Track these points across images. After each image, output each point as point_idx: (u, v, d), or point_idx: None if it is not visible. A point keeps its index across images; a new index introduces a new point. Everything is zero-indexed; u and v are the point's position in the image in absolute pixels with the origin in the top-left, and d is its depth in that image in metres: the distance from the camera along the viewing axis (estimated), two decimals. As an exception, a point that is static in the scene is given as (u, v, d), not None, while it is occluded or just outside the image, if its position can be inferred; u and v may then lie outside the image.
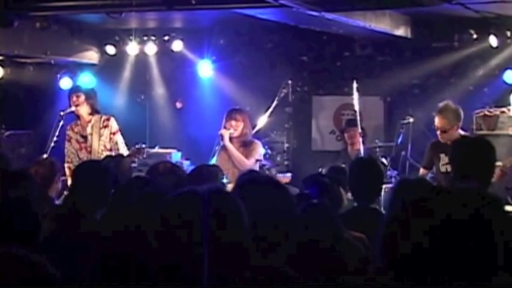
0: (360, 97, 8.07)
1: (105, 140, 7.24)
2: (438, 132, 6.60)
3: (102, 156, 6.94)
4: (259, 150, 6.90)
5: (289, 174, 7.61)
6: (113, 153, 7.02)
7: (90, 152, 7.22)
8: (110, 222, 2.90)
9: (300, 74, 9.80)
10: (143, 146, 6.99)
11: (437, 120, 6.60)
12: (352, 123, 8.27)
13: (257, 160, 6.84)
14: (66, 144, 7.38)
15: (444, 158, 6.44)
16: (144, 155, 6.99)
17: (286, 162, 9.19)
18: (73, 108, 7.32)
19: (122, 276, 2.51)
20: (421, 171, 6.75)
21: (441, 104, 6.75)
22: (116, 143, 7.22)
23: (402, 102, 9.13)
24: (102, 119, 7.32)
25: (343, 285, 2.57)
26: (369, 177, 4.54)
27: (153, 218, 2.14)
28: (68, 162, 7.27)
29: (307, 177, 4.55)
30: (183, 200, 2.13)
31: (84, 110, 7.30)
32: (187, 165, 8.63)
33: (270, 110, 8.46)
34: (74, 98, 7.29)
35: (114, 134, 7.25)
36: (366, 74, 9.34)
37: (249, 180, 2.83)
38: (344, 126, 8.71)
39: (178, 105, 10.20)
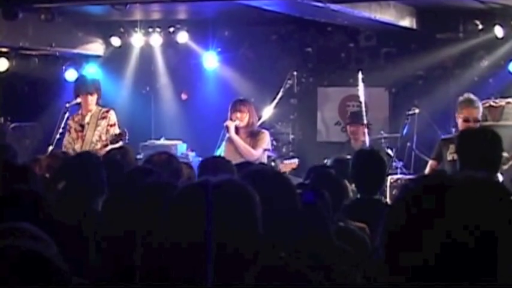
0: (365, 88, 8.03)
1: (102, 131, 7.20)
2: (466, 123, 6.33)
3: (97, 147, 6.91)
4: (267, 140, 6.83)
5: (295, 160, 7.55)
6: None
7: (83, 141, 7.18)
8: (111, 214, 2.87)
9: (305, 65, 9.77)
10: (125, 130, 6.92)
11: (468, 111, 6.33)
12: (355, 117, 8.21)
13: (265, 150, 6.80)
14: (66, 134, 7.34)
15: (452, 147, 6.34)
16: (126, 140, 6.87)
17: (291, 154, 9.18)
18: (78, 100, 7.30)
19: (125, 269, 2.46)
20: (430, 163, 6.61)
21: (467, 96, 6.53)
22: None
23: (407, 93, 9.10)
24: (102, 110, 7.31)
25: (345, 286, 2.56)
26: (371, 168, 4.51)
27: (159, 209, 2.11)
28: (64, 152, 7.20)
29: (311, 168, 4.51)
30: (193, 191, 2.09)
31: (92, 101, 7.29)
32: (192, 157, 8.62)
33: (275, 101, 8.43)
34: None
35: (111, 126, 7.21)
36: (371, 65, 9.31)
37: (254, 171, 2.81)
38: (347, 120, 8.66)
39: (184, 96, 10.18)
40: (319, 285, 2.13)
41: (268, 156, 7.13)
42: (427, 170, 6.51)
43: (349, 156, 5.93)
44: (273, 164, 7.48)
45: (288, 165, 7.32)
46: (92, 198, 3.69)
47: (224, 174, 2.20)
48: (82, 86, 7.38)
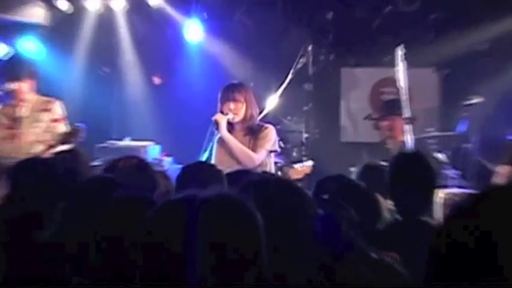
0: (406, 69, 8.05)
1: (43, 127, 7.18)
2: None
3: (33, 151, 6.90)
4: (272, 138, 6.73)
5: (309, 162, 7.55)
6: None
7: (17, 142, 7.16)
8: (68, 237, 2.94)
9: (323, 37, 9.76)
10: (80, 126, 6.90)
11: None
12: (390, 107, 8.20)
13: (270, 152, 6.76)
14: None
15: None
16: (82, 138, 6.86)
17: (304, 159, 9.17)
18: (12, 85, 7.28)
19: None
20: (501, 169, 6.54)
21: None
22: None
23: (464, 76, 9.10)
24: (43, 100, 7.27)
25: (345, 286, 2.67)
26: (415, 179, 4.52)
27: (131, 231, 2.20)
28: None
29: (322, 180, 4.46)
30: (176, 208, 2.14)
31: (26, 88, 7.29)
32: (169, 163, 8.68)
33: (283, 87, 8.43)
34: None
35: (56, 121, 7.18)
36: (414, 38, 9.29)
37: (254, 181, 2.87)
38: (380, 112, 8.64)
39: (157, 80, 10.21)
40: (319, 285, 2.21)
41: (275, 162, 7.12)
42: (497, 179, 6.47)
43: (384, 163, 5.93)
44: (280, 173, 7.48)
45: (298, 170, 7.31)
46: (40, 217, 3.75)
47: (214, 187, 2.26)
48: (11, 70, 7.34)
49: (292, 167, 7.38)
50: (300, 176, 7.12)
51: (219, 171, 4.64)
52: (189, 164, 4.92)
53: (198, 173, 4.53)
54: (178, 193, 2.24)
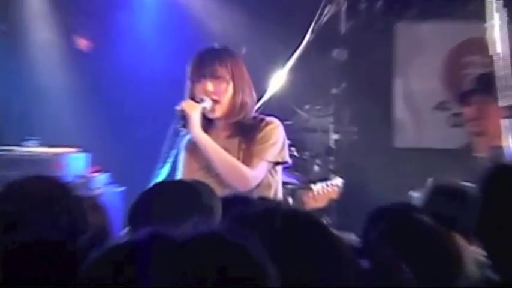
0: (506, 25, 8.03)
1: None
2: None
3: None
4: (279, 141, 6.84)
5: (336, 181, 7.59)
6: None
7: None
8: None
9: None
10: None
11: None
12: (482, 85, 8.21)
13: (277, 164, 6.84)
14: None
15: None
16: None
17: (332, 175, 9.23)
18: None
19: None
20: None
21: None
22: None
23: None
24: None
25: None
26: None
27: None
28: None
29: (374, 213, 4.44)
30: (126, 259, 2.15)
31: None
32: (101, 183, 8.87)
33: (296, 55, 8.47)
34: None
35: None
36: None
37: (254, 214, 2.98)
38: (463, 94, 8.65)
39: (83, 44, 10.30)
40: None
41: (284, 183, 7.21)
42: None
43: (468, 183, 5.90)
44: (291, 200, 7.49)
45: (319, 194, 7.33)
46: None
47: (197, 221, 2.30)
48: None
49: (310, 189, 7.39)
50: (321, 204, 7.14)
51: (210, 198, 4.60)
52: (157, 183, 5.12)
53: (166, 198, 4.53)
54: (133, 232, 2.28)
